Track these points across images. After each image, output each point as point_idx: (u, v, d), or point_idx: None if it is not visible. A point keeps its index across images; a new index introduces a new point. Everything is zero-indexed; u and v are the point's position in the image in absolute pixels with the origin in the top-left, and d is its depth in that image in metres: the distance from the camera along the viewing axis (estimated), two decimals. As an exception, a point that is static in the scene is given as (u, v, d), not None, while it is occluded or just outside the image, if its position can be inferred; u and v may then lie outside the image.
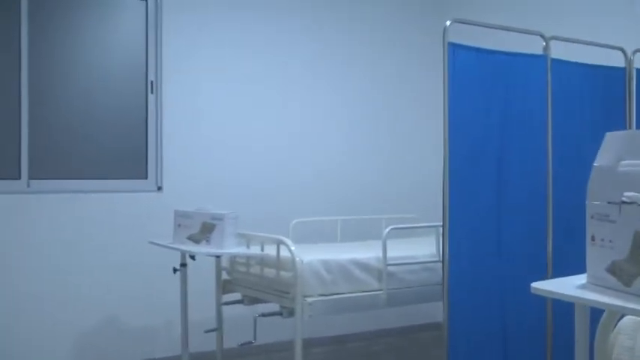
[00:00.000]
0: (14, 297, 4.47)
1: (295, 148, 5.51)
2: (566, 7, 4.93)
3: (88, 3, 4.84)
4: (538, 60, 3.75)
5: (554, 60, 3.79)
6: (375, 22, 5.92)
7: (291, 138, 5.50)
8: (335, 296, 3.79)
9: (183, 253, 4.15)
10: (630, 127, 4.03)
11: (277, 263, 3.70)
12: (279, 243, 3.69)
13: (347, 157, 5.74)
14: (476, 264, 3.54)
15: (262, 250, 3.81)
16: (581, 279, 1.83)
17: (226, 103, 5.23)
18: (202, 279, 4.42)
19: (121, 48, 4.99)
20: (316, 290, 3.72)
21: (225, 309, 4.31)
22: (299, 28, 5.56)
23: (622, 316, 2.37)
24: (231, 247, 3.76)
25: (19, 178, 4.57)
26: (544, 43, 3.78)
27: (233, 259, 4.16)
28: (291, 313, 3.64)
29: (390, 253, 3.89)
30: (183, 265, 4.22)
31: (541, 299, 3.52)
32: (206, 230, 3.78)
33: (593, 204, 1.78)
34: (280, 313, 3.75)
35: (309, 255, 3.76)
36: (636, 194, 1.66)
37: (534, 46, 3.78)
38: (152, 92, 4.99)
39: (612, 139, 1.82)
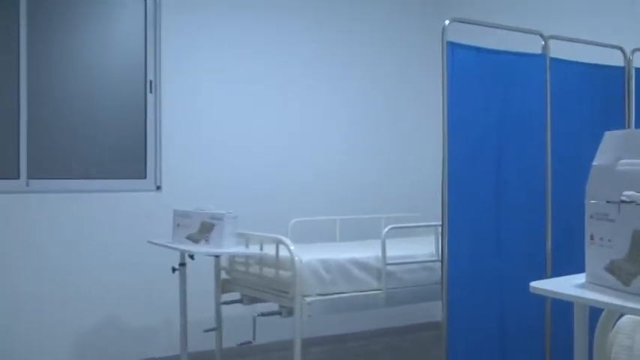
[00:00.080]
0: (13, 297, 4.47)
1: (294, 147, 5.51)
2: (565, 7, 4.93)
3: (87, 2, 4.84)
4: (537, 59, 3.75)
5: (553, 59, 3.79)
6: (375, 22, 5.92)
7: (291, 137, 5.50)
8: (334, 296, 3.79)
9: (182, 253, 4.15)
10: (629, 127, 4.03)
11: (276, 263, 3.70)
12: (278, 242, 3.69)
13: (346, 157, 5.74)
14: (475, 263, 3.54)
15: (261, 249, 3.81)
16: (580, 278, 1.83)
17: (225, 103, 5.23)
18: (201, 278, 4.41)
19: (119, 47, 4.98)
20: (315, 290, 3.72)
21: (225, 308, 4.31)
22: (299, 28, 5.56)
23: (621, 315, 2.37)
24: (230, 247, 3.76)
25: (18, 177, 4.56)
26: (543, 43, 3.77)
27: (232, 258, 4.16)
28: (290, 312, 3.64)
29: (389, 253, 3.89)
30: (183, 264, 4.22)
31: (540, 298, 3.52)
32: (205, 230, 3.78)
33: (592, 203, 1.78)
34: (279, 313, 3.75)
35: (308, 254, 3.76)
36: (635, 193, 1.66)
37: (533, 46, 3.78)
38: (151, 92, 4.99)
39: (611, 139, 1.82)
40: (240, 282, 4.14)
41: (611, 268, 1.71)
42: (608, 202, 1.72)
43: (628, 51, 4.05)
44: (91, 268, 4.70)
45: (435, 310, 5.13)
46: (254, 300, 4.08)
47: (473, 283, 3.53)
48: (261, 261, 3.85)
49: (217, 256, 4.19)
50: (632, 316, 2.35)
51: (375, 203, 5.63)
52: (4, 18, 4.56)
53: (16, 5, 4.56)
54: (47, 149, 4.69)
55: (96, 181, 4.82)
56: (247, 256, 3.96)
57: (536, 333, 3.73)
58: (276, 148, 5.42)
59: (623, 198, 1.68)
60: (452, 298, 3.44)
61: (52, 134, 4.72)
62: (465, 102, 3.48)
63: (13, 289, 4.47)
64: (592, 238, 1.77)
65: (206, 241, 3.77)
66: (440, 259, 3.57)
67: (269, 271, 3.79)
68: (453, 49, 3.43)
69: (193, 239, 3.83)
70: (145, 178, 4.98)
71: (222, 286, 4.26)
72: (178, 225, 3.96)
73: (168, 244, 3.93)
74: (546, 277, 3.54)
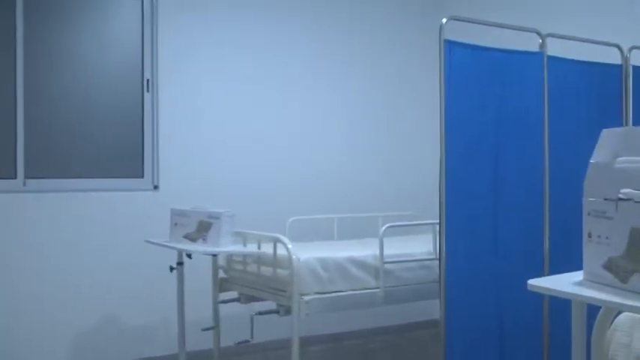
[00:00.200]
0: (12, 296, 4.46)
1: (292, 146, 5.50)
2: (563, 5, 4.93)
3: (84, 1, 4.83)
4: (534, 57, 3.75)
5: (550, 57, 3.79)
6: (375, 22, 5.91)
7: (288, 136, 5.49)
8: (332, 294, 3.78)
9: (179, 252, 4.15)
10: (626, 124, 4.03)
11: (274, 261, 3.70)
12: (275, 241, 3.69)
13: (344, 156, 5.73)
14: (472, 261, 3.55)
15: (259, 248, 3.81)
16: (577, 276, 1.83)
17: (223, 102, 5.23)
18: (199, 277, 4.41)
19: (116, 46, 4.98)
20: (313, 288, 3.72)
21: (222, 307, 4.30)
22: (297, 28, 5.55)
23: (618, 313, 2.37)
24: (228, 246, 3.75)
25: (15, 177, 4.56)
26: (540, 41, 3.78)
27: (230, 257, 4.15)
28: (287, 311, 3.64)
29: (386, 251, 3.89)
30: (180, 263, 4.22)
31: (538, 296, 3.52)
32: (202, 229, 3.78)
33: (590, 201, 1.78)
34: (277, 312, 3.74)
35: (306, 253, 3.75)
36: (633, 191, 1.66)
37: (531, 44, 3.78)
38: (148, 91, 4.98)
39: (608, 136, 1.82)
40: (238, 281, 4.13)
41: (608, 266, 1.71)
42: (605, 199, 1.73)
43: (625, 49, 4.06)
44: (89, 267, 4.70)
45: (433, 309, 5.14)
46: (252, 299, 4.08)
47: (470, 281, 3.54)
48: (259, 260, 3.85)
49: (215, 255, 4.19)
50: (630, 314, 2.35)
51: (372, 202, 5.63)
52: (1, 17, 4.55)
53: (12, 4, 4.55)
54: (44, 149, 4.69)
55: (93, 180, 4.81)
56: (245, 255, 3.96)
57: (533, 331, 3.73)
58: (273, 147, 5.42)
59: (621, 195, 1.68)
60: (449, 296, 3.44)
61: (49, 133, 4.72)
62: (462, 100, 3.49)
63: (11, 289, 4.46)
64: (590, 235, 1.77)
65: (203, 240, 3.77)
66: (437, 257, 3.57)
67: (267, 270, 3.79)
68: (451, 47, 3.43)
69: (191, 238, 3.83)
70: (142, 177, 4.97)
71: (220, 285, 4.25)
72: (176, 224, 3.95)
73: (166, 244, 3.92)
74: (544, 275, 3.54)
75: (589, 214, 1.78)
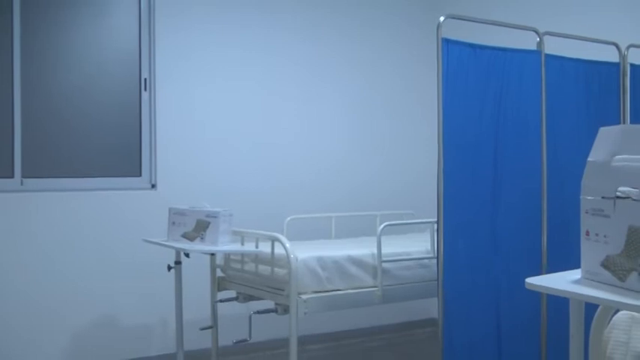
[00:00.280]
0: (8, 295, 4.45)
1: (290, 145, 5.50)
2: (560, 3, 4.93)
3: (81, 0, 4.82)
4: (532, 55, 3.75)
5: (548, 55, 3.79)
6: (373, 21, 5.90)
7: (286, 136, 5.48)
8: (330, 293, 3.78)
9: (177, 251, 4.14)
10: (624, 122, 4.03)
11: (272, 260, 3.70)
12: (273, 240, 3.68)
13: (342, 154, 5.73)
14: (470, 260, 3.55)
15: (257, 247, 3.81)
16: (575, 274, 1.83)
17: (220, 101, 5.22)
18: (197, 277, 4.41)
19: (114, 45, 4.97)
20: (311, 287, 3.71)
21: (220, 306, 4.30)
22: (295, 27, 5.54)
23: (616, 311, 2.37)
24: (226, 245, 3.76)
25: (13, 176, 4.55)
26: (538, 39, 3.78)
27: (227, 256, 4.15)
28: (285, 310, 3.63)
29: (384, 250, 3.89)
30: (178, 262, 4.21)
31: (536, 294, 3.53)
32: (200, 228, 3.78)
33: (588, 199, 1.78)
34: (275, 311, 3.74)
35: (304, 252, 3.75)
36: (630, 189, 1.65)
37: (528, 42, 3.78)
38: (145, 90, 4.97)
39: (606, 134, 1.82)
40: (236, 280, 4.13)
41: (606, 264, 1.71)
42: (603, 197, 1.72)
43: (623, 47, 4.06)
44: (87, 266, 4.69)
45: (431, 307, 5.15)
46: (250, 298, 4.07)
47: (468, 279, 3.54)
48: (257, 259, 3.84)
49: (213, 254, 4.19)
50: (628, 312, 2.35)
51: (370, 200, 5.62)
52: (-2, 16, 4.55)
53: (9, 3, 4.55)
54: (41, 148, 4.68)
55: (91, 179, 4.81)
56: (243, 254, 3.96)
57: (531, 329, 3.73)
58: (271, 146, 5.41)
59: (619, 194, 1.68)
60: (447, 294, 3.44)
61: (47, 133, 4.71)
62: (460, 98, 3.48)
63: (8, 288, 4.45)
64: (587, 233, 1.77)
65: (201, 238, 3.77)
66: (435, 256, 3.57)
67: (265, 269, 3.78)
68: (448, 45, 3.43)
69: (189, 237, 3.83)
70: (139, 176, 4.97)
71: (218, 284, 4.25)
72: (174, 223, 3.95)
73: (164, 243, 3.92)
74: (542, 274, 3.55)
75: (587, 212, 1.78)
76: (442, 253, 3.42)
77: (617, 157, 1.73)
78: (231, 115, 5.25)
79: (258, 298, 3.97)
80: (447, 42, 3.42)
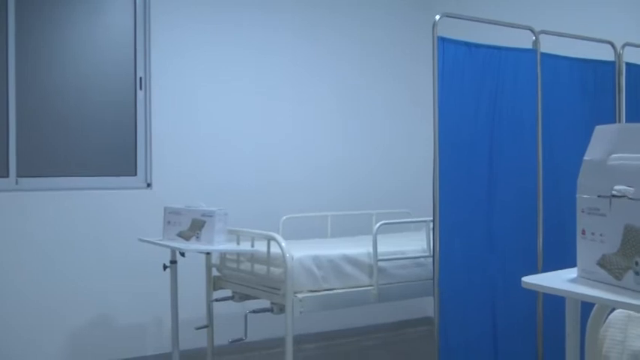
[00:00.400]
0: (3, 294, 4.44)
1: (285, 144, 5.49)
2: (556, 2, 4.93)
3: (76, -1, 4.82)
4: (528, 54, 3.75)
5: (543, 54, 3.79)
6: (368, 19, 5.90)
7: (282, 134, 5.48)
8: (326, 292, 3.78)
9: (173, 250, 4.14)
10: (619, 121, 4.03)
11: (268, 259, 3.69)
12: (269, 239, 3.68)
13: (337, 153, 5.73)
14: (466, 259, 3.55)
15: (252, 246, 3.80)
16: (571, 273, 1.83)
17: (216, 100, 5.21)
18: (192, 276, 4.40)
19: (109, 44, 4.96)
20: (307, 286, 3.71)
21: (216, 306, 4.29)
22: (290, 26, 5.54)
23: (612, 310, 2.37)
24: (221, 244, 3.75)
25: (8, 176, 4.54)
26: (534, 38, 3.77)
27: (223, 255, 4.15)
28: (281, 309, 3.63)
29: (380, 249, 3.88)
30: (173, 262, 4.21)
31: (532, 293, 3.53)
32: (196, 227, 3.77)
33: (584, 198, 1.78)
34: (271, 310, 3.74)
35: (300, 251, 3.75)
36: (626, 187, 1.65)
37: (524, 41, 3.78)
38: (141, 88, 4.97)
39: (601, 133, 1.82)
40: (232, 279, 4.13)
41: (602, 263, 1.71)
42: (599, 196, 1.72)
43: (618, 46, 4.06)
44: (82, 266, 4.68)
45: (427, 306, 5.15)
46: (245, 297, 4.07)
47: (464, 278, 3.54)
48: (253, 258, 3.84)
49: (208, 253, 4.18)
50: (624, 311, 2.35)
51: (366, 199, 5.62)
52: (-8, 15, 4.54)
53: (4, 1, 4.53)
54: (36, 147, 4.67)
55: (86, 178, 4.80)
56: (238, 253, 3.95)
57: (527, 327, 3.73)
58: (267, 145, 5.40)
59: (615, 192, 1.68)
60: (443, 293, 3.44)
61: (42, 132, 4.70)
62: (455, 97, 3.48)
63: (3, 287, 4.45)
64: (583, 232, 1.77)
65: (197, 238, 3.76)
66: (431, 254, 3.57)
67: (260, 268, 3.78)
68: (444, 44, 3.43)
69: (184, 236, 3.82)
70: (135, 175, 4.96)
71: (214, 284, 4.24)
72: (169, 222, 3.94)
73: (159, 242, 3.92)
74: (537, 272, 3.54)
75: (583, 211, 1.78)
76: (438, 251, 3.42)
77: (613, 155, 1.73)
78: (226, 115, 5.24)
79: (254, 298, 3.96)
80: (442, 40, 3.42)
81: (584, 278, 1.77)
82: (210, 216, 3.72)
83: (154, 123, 4.97)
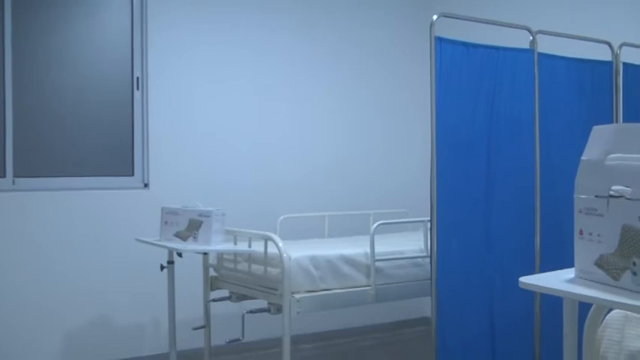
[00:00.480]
0: (1, 295, 4.43)
1: (283, 144, 5.49)
2: (553, 2, 4.93)
3: (73, -1, 4.82)
4: (525, 54, 3.75)
5: (541, 54, 3.79)
6: (366, 19, 5.89)
7: (279, 134, 5.47)
8: (323, 292, 3.77)
9: (170, 251, 4.13)
10: (616, 121, 4.04)
11: (265, 260, 3.69)
12: (266, 239, 3.67)
13: (335, 153, 5.72)
14: (464, 259, 3.54)
15: (250, 246, 3.79)
16: (569, 273, 1.83)
17: (213, 100, 5.21)
18: (189, 276, 4.39)
19: (106, 44, 4.95)
20: (304, 286, 3.71)
21: (213, 306, 4.29)
22: (287, 25, 5.53)
23: (609, 310, 2.37)
24: (218, 244, 3.75)
25: (4, 176, 4.53)
26: (531, 38, 3.77)
27: (220, 255, 4.14)
28: (278, 309, 3.62)
29: (378, 249, 3.88)
30: (171, 262, 4.20)
31: (529, 293, 3.53)
32: (193, 227, 3.77)
33: (581, 198, 1.77)
34: (268, 310, 3.73)
35: (297, 251, 3.74)
36: (624, 188, 1.65)
37: (521, 41, 3.78)
38: (138, 89, 4.96)
39: (599, 133, 1.82)
40: (229, 279, 4.12)
41: (600, 263, 1.71)
42: (597, 196, 1.72)
43: (615, 46, 4.06)
44: (79, 266, 4.67)
45: (424, 306, 5.14)
46: (243, 297, 4.06)
47: (462, 278, 3.53)
48: (250, 258, 3.83)
49: (205, 254, 4.18)
50: (621, 311, 2.35)
51: (363, 199, 5.62)
52: (-11, 15, 4.53)
53: (0, 2, 4.52)
54: (33, 147, 4.66)
55: (83, 178, 4.79)
56: (236, 253, 3.95)
57: (525, 327, 3.73)
58: (264, 145, 5.40)
59: (612, 192, 1.68)
60: (441, 293, 3.43)
61: (38, 132, 4.69)
62: (453, 97, 3.48)
63: (0, 288, 4.43)
64: (581, 232, 1.77)
65: (194, 238, 3.76)
66: (429, 255, 3.57)
67: (257, 268, 3.78)
68: (441, 44, 3.43)
69: (181, 237, 3.82)
70: (132, 175, 4.95)
71: (211, 284, 4.24)
72: (166, 222, 3.94)
73: (157, 242, 3.91)
74: (535, 272, 3.54)
75: (580, 211, 1.77)
76: (435, 251, 3.42)
77: (611, 155, 1.73)
78: (223, 115, 5.23)
79: (251, 298, 3.96)
80: (439, 40, 3.42)
81: (582, 278, 1.77)
82: (208, 216, 3.72)
83: (151, 123, 4.96)
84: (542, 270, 3.35)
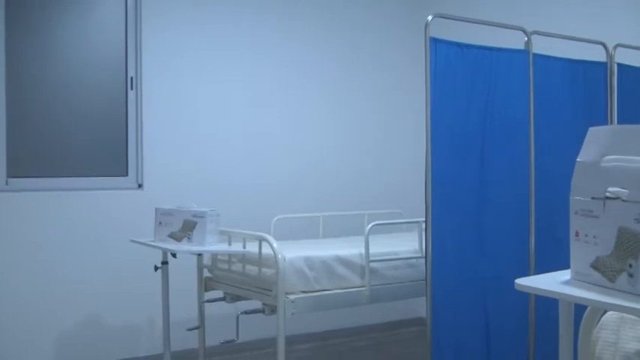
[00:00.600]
0: (-7, 296, 4.43)
1: (277, 145, 5.48)
2: (548, 2, 4.93)
3: (66, -2, 4.80)
4: (520, 55, 3.75)
5: (536, 55, 3.79)
6: (360, 20, 5.89)
7: (273, 135, 5.47)
8: (318, 293, 3.77)
9: (164, 251, 4.12)
10: (611, 122, 4.04)
11: (259, 260, 3.68)
12: (261, 240, 3.66)
13: (329, 154, 5.72)
14: (459, 259, 3.54)
15: (244, 247, 3.79)
16: (565, 275, 1.82)
17: (207, 100, 5.19)
18: (184, 277, 4.38)
19: (100, 43, 4.94)
20: (299, 287, 3.70)
21: (207, 307, 4.28)
22: (281, 26, 5.52)
23: (605, 311, 2.37)
24: (213, 245, 3.74)
25: (-3, 176, 4.52)
26: (526, 38, 3.77)
27: (215, 256, 4.13)
28: (273, 310, 3.62)
29: (372, 250, 3.88)
30: (165, 263, 4.19)
31: (524, 294, 3.52)
32: (187, 228, 3.76)
33: (577, 199, 1.77)
34: (262, 311, 3.72)
35: (292, 252, 3.74)
36: (620, 189, 1.65)
37: (516, 41, 3.78)
38: (132, 88, 4.94)
39: (595, 135, 1.81)
40: (223, 280, 4.11)
41: (596, 265, 1.70)
42: (593, 198, 1.72)
43: (610, 46, 4.06)
44: (73, 266, 4.66)
45: (419, 306, 5.14)
46: (237, 298, 4.05)
47: (457, 279, 3.53)
48: (244, 259, 3.82)
49: (200, 254, 4.17)
50: (617, 313, 2.35)
51: (358, 200, 5.61)
52: (-18, 14, 4.51)
53: (-6, 1, 4.51)
54: (27, 147, 4.64)
55: (77, 179, 4.77)
56: (230, 254, 3.94)
57: (520, 328, 3.73)
58: (258, 146, 5.39)
59: (608, 194, 1.67)
60: (436, 294, 3.43)
61: (32, 132, 4.67)
62: (447, 98, 3.48)
63: (-7, 289, 4.43)
64: (577, 234, 1.76)
65: (188, 239, 3.75)
66: (423, 255, 3.57)
67: (252, 269, 3.77)
68: (436, 44, 3.42)
69: (176, 237, 3.81)
70: (126, 175, 4.94)
71: (205, 285, 4.23)
72: (160, 223, 3.93)
73: (151, 243, 3.90)
74: (530, 273, 3.55)
75: (576, 212, 1.77)
76: (430, 252, 3.42)
77: (607, 157, 1.73)
78: (217, 115, 5.22)
79: (246, 299, 3.95)
80: (434, 41, 3.41)
81: (578, 280, 1.76)
82: (202, 217, 3.71)
83: (145, 123, 4.95)
84: (537, 271, 3.36)
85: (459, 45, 3.52)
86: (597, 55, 4.06)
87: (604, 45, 4.06)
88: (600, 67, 4.05)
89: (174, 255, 4.11)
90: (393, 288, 4.03)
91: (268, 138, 5.44)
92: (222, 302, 4.18)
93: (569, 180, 1.81)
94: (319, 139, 5.68)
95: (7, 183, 4.52)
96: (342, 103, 5.81)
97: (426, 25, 3.38)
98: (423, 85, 3.41)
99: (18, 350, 4.48)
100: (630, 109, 4.10)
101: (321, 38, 5.71)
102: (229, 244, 3.88)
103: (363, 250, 3.88)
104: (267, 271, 3.66)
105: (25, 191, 4.57)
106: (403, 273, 4.05)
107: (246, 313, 3.79)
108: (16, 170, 4.57)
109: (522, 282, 1.81)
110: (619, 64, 4.10)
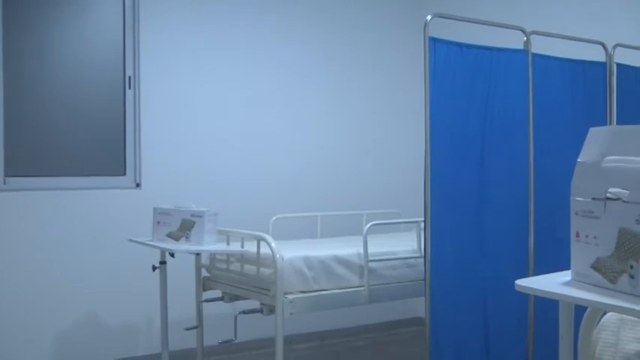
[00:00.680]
0: (-10, 296, 4.42)
1: (275, 144, 5.47)
2: (547, 2, 4.93)
3: (65, -3, 4.79)
4: (519, 55, 3.74)
5: (535, 55, 3.78)
6: (359, 19, 5.88)
7: (272, 134, 5.46)
8: (316, 293, 3.76)
9: (162, 251, 4.11)
10: (610, 122, 4.03)
11: (257, 260, 3.67)
12: (259, 239, 3.66)
13: (327, 153, 5.71)
14: (458, 259, 3.54)
15: (242, 246, 3.78)
16: (565, 276, 1.82)
17: (205, 100, 5.19)
18: (182, 276, 4.37)
19: (98, 43, 4.93)
20: (297, 287, 3.70)
21: (206, 306, 4.27)
22: (280, 26, 5.51)
23: (605, 312, 2.36)
24: (211, 244, 3.74)
25: (-5, 175, 4.51)
26: (525, 38, 3.77)
27: (213, 256, 4.12)
28: (271, 310, 3.61)
29: (371, 249, 3.87)
30: (163, 262, 4.18)
31: (523, 295, 3.52)
32: (185, 227, 3.75)
33: (578, 200, 1.76)
34: (261, 311, 3.72)
35: (290, 252, 3.73)
36: (621, 190, 1.64)
37: (515, 41, 3.77)
38: (130, 88, 4.93)
39: (595, 135, 1.81)
40: (221, 280, 4.10)
41: (596, 266, 1.70)
42: (593, 199, 1.71)
43: (609, 46, 4.06)
44: (71, 266, 4.65)
45: (418, 306, 5.13)
46: (235, 298, 4.05)
47: (456, 279, 3.53)
48: (243, 258, 3.82)
49: (198, 254, 4.16)
50: (617, 313, 2.34)
51: (356, 199, 5.61)
52: (-20, 13, 4.49)
53: (-9, 0, 4.50)
54: (24, 146, 4.63)
55: (74, 178, 4.76)
56: (228, 254, 3.93)
57: (519, 330, 3.73)
58: (257, 145, 5.38)
59: (609, 195, 1.67)
60: (435, 294, 3.43)
61: (30, 131, 4.66)
62: (447, 98, 3.47)
63: (-9, 289, 4.42)
64: (577, 235, 1.76)
65: (186, 238, 3.74)
66: (422, 255, 3.56)
67: (250, 269, 3.76)
68: (435, 44, 3.41)
69: (174, 237, 3.80)
70: (124, 175, 4.93)
71: (203, 284, 4.22)
72: (158, 223, 3.92)
73: (149, 242, 3.89)
74: (529, 273, 3.54)
75: (577, 213, 1.76)
76: (429, 252, 3.41)
77: (608, 158, 1.72)
78: (216, 115, 5.22)
79: (244, 298, 3.94)
80: (433, 41, 3.41)
81: (578, 281, 1.76)
82: (200, 216, 3.70)
83: (143, 122, 4.94)
84: (537, 271, 3.35)
85: (458, 45, 3.51)
86: (597, 55, 4.05)
87: (603, 45, 4.06)
88: (599, 67, 4.05)
89: (172, 254, 4.10)
90: (392, 288, 4.02)
91: (267, 138, 5.43)
92: (221, 302, 4.17)
93: (569, 180, 1.80)
94: (318, 138, 5.67)
95: (4, 182, 4.51)
96: (341, 103, 5.80)
97: (426, 24, 3.38)
98: (423, 85, 3.41)
99: (16, 349, 4.47)
100: (629, 109, 4.09)
101: (321, 38, 5.70)
102: (227, 244, 3.88)
103: (361, 250, 3.88)
104: (266, 271, 3.65)
105: (22, 190, 4.56)
106: (402, 273, 4.04)
107: (244, 312, 3.78)
108: (13, 169, 4.56)
109: (522, 283, 1.80)
110: (618, 64, 4.09)
